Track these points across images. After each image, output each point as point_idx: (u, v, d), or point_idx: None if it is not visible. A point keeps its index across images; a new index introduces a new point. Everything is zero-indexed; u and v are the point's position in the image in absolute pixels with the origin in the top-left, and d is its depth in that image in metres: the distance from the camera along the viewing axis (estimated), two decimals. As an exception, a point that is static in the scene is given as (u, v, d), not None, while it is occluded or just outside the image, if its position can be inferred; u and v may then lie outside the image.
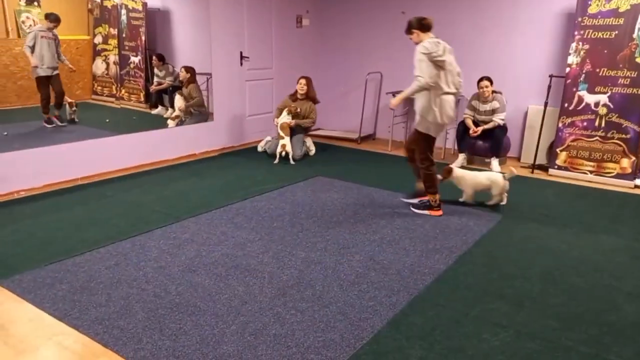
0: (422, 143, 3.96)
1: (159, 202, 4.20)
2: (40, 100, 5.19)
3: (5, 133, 4.84)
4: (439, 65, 3.73)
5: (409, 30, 3.86)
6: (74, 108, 5.62)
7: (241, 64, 6.14)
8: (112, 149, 4.97)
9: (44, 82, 5.17)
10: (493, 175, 4.25)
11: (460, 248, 3.39)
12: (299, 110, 5.77)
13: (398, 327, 2.46)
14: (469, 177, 4.26)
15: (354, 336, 2.37)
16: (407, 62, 6.55)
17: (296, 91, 5.86)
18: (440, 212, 4.04)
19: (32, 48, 5.09)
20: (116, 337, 2.32)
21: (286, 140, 5.56)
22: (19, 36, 5.98)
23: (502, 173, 4.27)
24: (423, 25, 3.79)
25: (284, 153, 5.53)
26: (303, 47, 7.06)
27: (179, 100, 6.12)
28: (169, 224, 3.71)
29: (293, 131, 5.70)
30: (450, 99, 3.89)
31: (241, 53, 6.10)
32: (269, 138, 6.02)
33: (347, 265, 3.11)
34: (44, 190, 4.38)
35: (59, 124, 5.36)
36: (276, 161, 5.56)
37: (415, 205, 4.14)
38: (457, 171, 4.29)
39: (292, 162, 5.55)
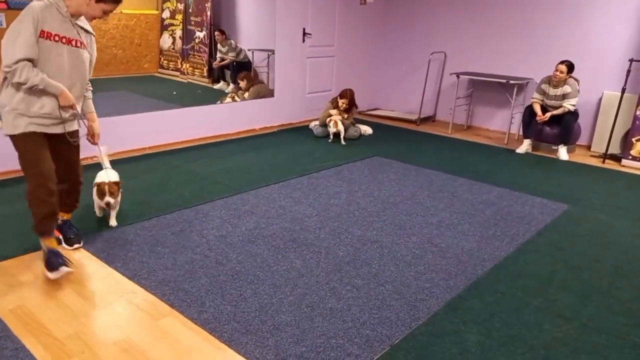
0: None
1: (220, 173, 4.33)
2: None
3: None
4: None
5: None
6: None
7: (303, 40, 6.13)
8: (179, 120, 5.15)
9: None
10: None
11: (523, 236, 3.28)
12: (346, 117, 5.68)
13: (455, 310, 2.43)
14: None
15: (410, 316, 2.37)
16: (473, 42, 6.33)
17: (336, 100, 5.69)
18: (53, 275, 2.52)
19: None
20: (181, 299, 2.44)
21: (338, 119, 5.53)
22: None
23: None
24: None
25: (336, 131, 5.50)
26: (366, 25, 6.95)
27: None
28: (230, 195, 3.82)
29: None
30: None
31: (304, 30, 6.10)
32: (315, 123, 5.98)
33: (404, 246, 3.09)
34: (114, 158, 4.61)
35: None
36: (330, 139, 5.56)
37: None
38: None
39: (342, 142, 5.50)
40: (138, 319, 2.29)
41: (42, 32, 2.36)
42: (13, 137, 2.52)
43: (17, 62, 2.32)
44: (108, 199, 3.04)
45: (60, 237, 2.93)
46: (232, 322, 2.28)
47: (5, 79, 2.43)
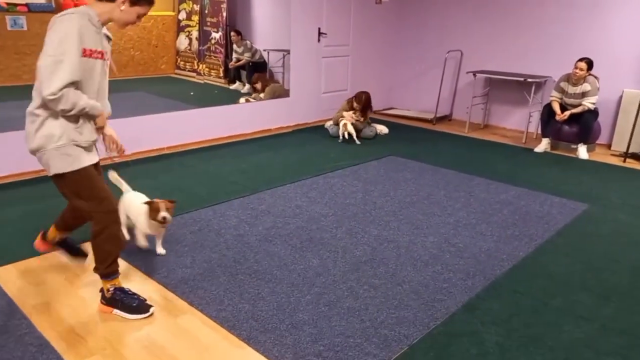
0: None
1: (237, 173, 4.37)
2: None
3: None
4: None
5: None
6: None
7: (318, 40, 6.14)
8: (195, 121, 5.20)
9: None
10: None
11: (542, 236, 3.25)
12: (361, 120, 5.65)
13: (473, 311, 2.42)
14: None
15: (428, 316, 2.36)
16: (490, 40, 6.27)
17: (352, 102, 5.68)
18: (141, 316, 2.33)
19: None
20: (200, 297, 2.47)
21: (349, 120, 5.51)
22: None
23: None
24: None
25: (346, 134, 5.47)
26: (381, 24, 6.93)
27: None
28: (247, 195, 3.84)
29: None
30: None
31: (319, 29, 6.10)
32: (330, 123, 5.96)
33: (421, 246, 3.08)
34: (132, 158, 4.68)
35: None
36: (340, 140, 5.52)
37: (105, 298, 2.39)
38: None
39: (357, 142, 5.47)
40: (158, 317, 2.33)
41: (84, 50, 2.06)
42: (73, 175, 2.17)
43: (63, 88, 2.00)
44: (164, 213, 2.66)
45: (64, 252, 2.70)
46: (251, 320, 2.30)
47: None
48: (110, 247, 2.28)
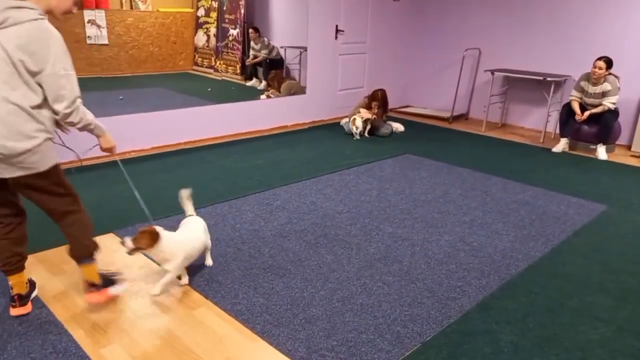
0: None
1: (253, 169, 4.40)
2: None
3: (121, 97, 5.28)
4: None
5: None
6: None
7: (336, 37, 6.14)
8: (212, 117, 5.25)
9: None
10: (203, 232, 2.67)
11: (558, 237, 3.22)
12: (374, 118, 5.65)
13: (488, 310, 2.41)
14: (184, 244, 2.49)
15: (442, 314, 2.36)
16: (509, 38, 6.20)
17: (371, 102, 5.69)
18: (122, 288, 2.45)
19: None
20: (215, 290, 2.50)
21: (360, 117, 5.53)
22: (131, 7, 6.45)
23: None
24: None
25: (354, 128, 5.49)
26: (399, 21, 6.90)
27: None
28: (262, 190, 3.87)
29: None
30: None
31: (336, 26, 6.10)
32: (347, 120, 5.98)
33: (435, 244, 3.08)
34: (151, 152, 4.75)
35: None
36: (356, 137, 5.54)
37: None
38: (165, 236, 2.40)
39: (366, 135, 5.55)
40: (174, 309, 2.36)
41: None
42: (58, 167, 2.14)
43: (76, 101, 2.02)
44: (125, 238, 2.32)
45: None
46: (265, 314, 2.32)
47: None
48: (89, 221, 2.30)
